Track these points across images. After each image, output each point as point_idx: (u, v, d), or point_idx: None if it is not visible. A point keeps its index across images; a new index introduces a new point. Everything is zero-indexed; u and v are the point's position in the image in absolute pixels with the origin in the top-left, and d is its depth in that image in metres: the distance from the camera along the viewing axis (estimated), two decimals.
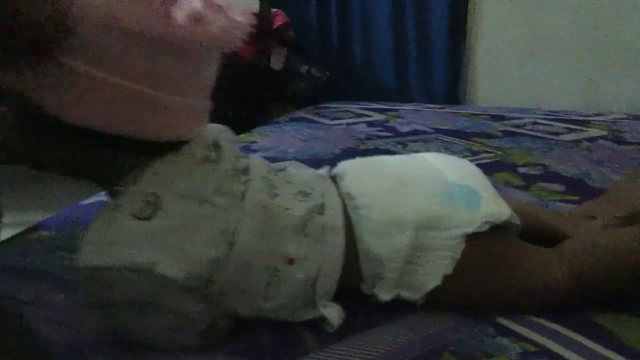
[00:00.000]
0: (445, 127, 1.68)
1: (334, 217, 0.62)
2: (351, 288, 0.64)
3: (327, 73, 2.32)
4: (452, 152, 1.40)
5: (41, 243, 0.84)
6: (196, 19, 0.48)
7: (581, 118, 1.77)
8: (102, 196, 1.04)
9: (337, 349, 0.59)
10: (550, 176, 1.17)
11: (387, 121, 1.80)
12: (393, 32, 2.27)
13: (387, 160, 0.74)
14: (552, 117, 1.81)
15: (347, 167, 0.71)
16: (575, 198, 1.02)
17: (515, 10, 2.16)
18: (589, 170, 1.21)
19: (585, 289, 0.65)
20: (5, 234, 0.90)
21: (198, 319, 0.56)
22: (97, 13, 0.48)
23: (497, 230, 0.65)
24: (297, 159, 1.32)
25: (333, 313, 0.60)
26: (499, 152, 1.39)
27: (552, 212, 0.84)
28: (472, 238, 0.63)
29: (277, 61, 2.20)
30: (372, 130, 1.67)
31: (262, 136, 1.56)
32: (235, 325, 0.60)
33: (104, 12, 0.48)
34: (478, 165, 0.80)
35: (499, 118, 1.81)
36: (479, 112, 1.92)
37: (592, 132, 1.59)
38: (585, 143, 1.46)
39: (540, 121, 1.75)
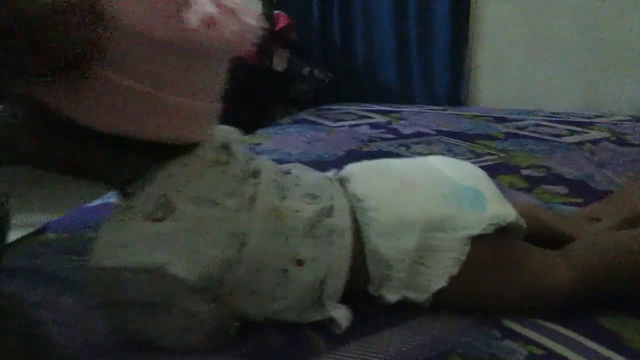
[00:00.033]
0: (448, 129, 1.68)
1: (342, 219, 0.63)
2: (357, 289, 0.64)
3: (330, 74, 2.33)
4: (455, 154, 1.40)
5: (48, 245, 0.84)
6: (209, 23, 0.49)
7: (583, 120, 1.77)
8: (107, 199, 1.05)
9: (346, 351, 0.59)
10: (554, 178, 1.18)
11: (389, 123, 1.80)
12: (395, 33, 2.28)
13: (393, 163, 0.74)
14: (554, 118, 1.81)
15: (354, 170, 0.72)
16: (579, 200, 1.02)
17: (517, 11, 2.16)
18: (592, 172, 1.21)
19: (590, 290, 0.65)
20: (11, 236, 0.90)
21: (207, 320, 0.56)
22: (123, 21, 0.49)
23: (503, 232, 0.65)
24: (300, 161, 1.33)
25: (341, 314, 0.61)
26: (502, 154, 1.39)
27: (557, 215, 0.85)
28: (477, 240, 0.63)
29: (279, 63, 2.20)
30: (375, 132, 1.67)
31: (265, 138, 1.56)
32: (244, 326, 0.61)
33: (127, 20, 0.49)
34: (482, 167, 0.80)
35: (501, 120, 1.82)
36: (481, 114, 1.93)
37: (595, 134, 1.59)
38: (588, 145, 1.46)
39: (542, 123, 1.75)
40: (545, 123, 1.75)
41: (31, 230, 0.91)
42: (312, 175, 0.70)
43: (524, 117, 1.85)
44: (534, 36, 2.16)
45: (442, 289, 0.63)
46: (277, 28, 2.11)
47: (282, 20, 2.14)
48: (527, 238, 0.70)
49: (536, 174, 1.21)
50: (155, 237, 0.53)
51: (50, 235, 0.88)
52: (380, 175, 0.71)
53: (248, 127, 1.86)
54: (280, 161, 1.16)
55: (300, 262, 0.60)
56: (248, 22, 0.50)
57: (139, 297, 0.54)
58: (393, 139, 1.59)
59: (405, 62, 2.30)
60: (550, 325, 0.63)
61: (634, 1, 2.00)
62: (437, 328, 0.63)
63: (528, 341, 0.61)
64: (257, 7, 0.51)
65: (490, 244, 0.64)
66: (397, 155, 1.40)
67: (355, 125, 1.78)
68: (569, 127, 1.69)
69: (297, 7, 2.30)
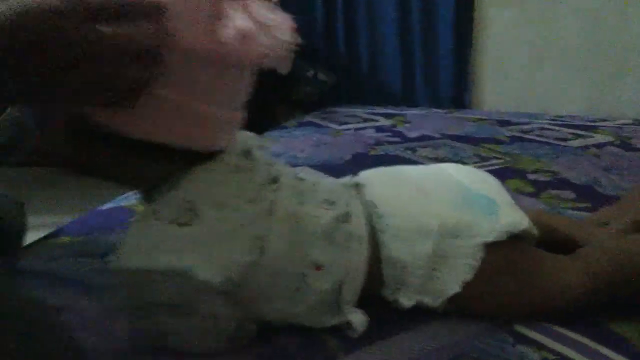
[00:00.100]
0: (453, 133, 1.69)
1: (359, 225, 0.64)
2: (372, 294, 0.66)
3: (334, 77, 2.34)
4: (461, 158, 1.41)
5: (64, 249, 0.85)
6: (244, 37, 0.50)
7: (588, 124, 1.78)
8: (118, 202, 1.06)
9: (363, 355, 0.60)
10: (560, 183, 1.19)
11: (394, 126, 1.82)
12: (399, 36, 2.29)
13: (407, 170, 0.75)
14: (558, 122, 1.82)
15: (369, 176, 0.73)
16: (587, 205, 1.03)
17: (521, 14, 2.17)
18: (598, 177, 1.22)
19: (601, 294, 0.66)
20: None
21: (228, 322, 0.57)
22: (175, 40, 0.50)
23: (515, 239, 0.66)
24: (308, 165, 1.34)
25: (358, 319, 0.62)
26: (507, 158, 1.40)
27: (566, 220, 0.86)
28: (491, 246, 0.64)
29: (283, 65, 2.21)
30: (381, 135, 1.69)
31: (271, 141, 1.57)
32: (262, 329, 0.62)
33: (178, 37, 0.50)
34: (488, 171, 0.81)
35: (506, 123, 1.83)
36: (485, 117, 1.94)
37: (599, 138, 1.60)
38: (593, 149, 1.47)
39: (546, 126, 1.76)
40: (549, 127, 1.76)
41: (45, 231, 0.92)
42: (327, 182, 0.71)
43: (528, 120, 1.86)
44: (537, 39, 2.17)
45: (456, 294, 0.64)
46: None
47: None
48: (537, 244, 0.71)
49: (542, 179, 1.22)
50: (182, 241, 0.55)
51: (65, 239, 0.89)
52: (395, 181, 0.72)
53: (252, 130, 1.88)
54: (287, 164, 1.17)
55: (318, 267, 0.61)
56: (281, 37, 0.51)
57: (165, 299, 0.55)
58: (399, 142, 1.60)
59: (409, 65, 2.31)
60: (562, 330, 0.64)
61: (638, 4, 2.01)
62: (451, 333, 0.64)
63: (540, 346, 0.62)
64: (290, 23, 0.52)
65: (503, 251, 0.65)
66: (404, 159, 1.41)
67: (361, 128, 1.80)
68: (573, 130, 1.70)
69: (301, 10, 2.31)
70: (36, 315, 0.53)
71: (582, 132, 1.67)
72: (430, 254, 0.63)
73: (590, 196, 1.09)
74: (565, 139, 1.60)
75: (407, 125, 1.83)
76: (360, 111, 2.08)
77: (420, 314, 0.66)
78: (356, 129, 1.78)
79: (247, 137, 0.64)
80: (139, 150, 0.55)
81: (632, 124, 1.77)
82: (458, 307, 0.65)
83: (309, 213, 0.62)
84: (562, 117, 1.92)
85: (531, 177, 1.23)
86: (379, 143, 1.59)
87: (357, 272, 0.63)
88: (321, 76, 2.30)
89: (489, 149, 1.50)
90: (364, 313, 0.63)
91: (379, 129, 1.77)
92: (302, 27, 0.54)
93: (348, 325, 0.63)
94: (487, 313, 0.66)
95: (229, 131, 0.60)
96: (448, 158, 1.42)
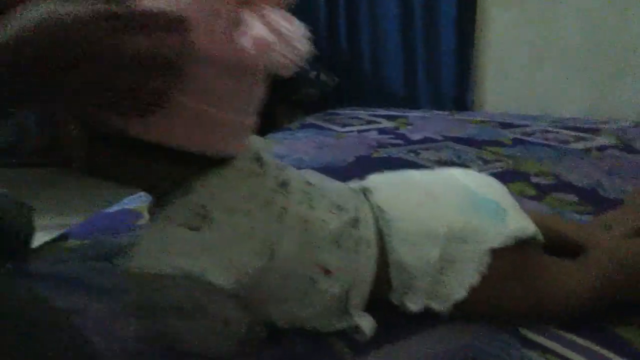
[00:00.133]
0: (455, 135, 1.70)
1: (367, 230, 0.65)
2: (379, 298, 0.66)
3: (336, 78, 2.35)
4: (464, 161, 1.42)
5: (72, 252, 0.86)
6: (262, 47, 0.51)
7: (590, 126, 1.79)
8: (123, 205, 1.07)
9: (371, 359, 0.61)
10: (563, 186, 1.19)
11: (397, 128, 1.82)
12: (402, 37, 2.30)
13: (415, 175, 0.76)
14: (560, 124, 1.83)
15: (377, 181, 0.73)
16: (590, 209, 1.04)
17: (523, 16, 2.18)
18: (601, 179, 1.23)
19: (607, 298, 0.67)
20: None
21: (239, 326, 0.58)
22: (195, 48, 0.51)
23: (522, 244, 0.67)
24: (312, 168, 1.35)
25: (366, 323, 0.63)
26: (510, 161, 1.41)
27: (571, 224, 0.87)
28: (497, 251, 0.65)
29: None
30: (384, 137, 1.69)
31: (275, 143, 1.58)
32: (270, 332, 0.62)
33: (197, 46, 0.51)
34: (491, 174, 0.82)
35: (507, 125, 1.84)
36: (487, 119, 1.95)
37: (601, 140, 1.61)
38: (595, 152, 1.48)
39: (548, 129, 1.77)
40: (551, 129, 1.76)
41: (47, 232, 0.93)
42: (335, 186, 0.72)
43: (530, 122, 1.87)
44: (538, 39, 2.17)
45: (462, 299, 0.64)
46: None
47: None
48: (543, 248, 0.72)
49: (546, 182, 1.22)
50: (194, 245, 0.55)
51: (73, 242, 0.90)
52: (403, 186, 0.73)
53: (253, 132, 1.89)
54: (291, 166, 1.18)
55: (328, 272, 0.62)
56: (298, 47, 0.52)
57: (178, 302, 0.56)
58: (402, 145, 1.60)
59: (411, 66, 2.32)
60: (567, 334, 0.65)
61: (639, 5, 2.02)
62: (458, 337, 0.65)
63: (545, 350, 0.63)
64: (305, 32, 0.53)
65: (510, 256, 0.65)
66: (407, 162, 1.42)
67: (364, 130, 1.80)
68: (575, 133, 1.71)
69: (303, 11, 2.31)
70: (50, 317, 0.53)
71: (584, 135, 1.68)
72: (438, 258, 0.64)
73: (593, 199, 1.10)
74: (567, 142, 1.60)
75: (409, 127, 1.84)
76: (362, 113, 2.08)
77: (427, 318, 0.66)
78: (359, 131, 1.79)
79: (258, 142, 0.65)
80: (152, 154, 0.56)
81: (634, 126, 1.77)
82: (464, 311, 0.66)
83: (319, 217, 0.63)
84: (564, 119, 1.93)
85: (534, 180, 1.24)
86: (381, 145, 1.59)
87: (365, 277, 0.64)
88: (323, 77, 2.31)
89: (492, 151, 1.51)
90: (371, 317, 0.64)
91: (382, 131, 1.78)
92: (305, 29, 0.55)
93: (356, 329, 0.63)
94: (492, 317, 0.67)
95: (242, 137, 0.61)
96: (451, 161, 1.42)
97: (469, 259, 0.64)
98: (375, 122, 1.93)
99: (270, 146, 0.69)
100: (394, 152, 1.51)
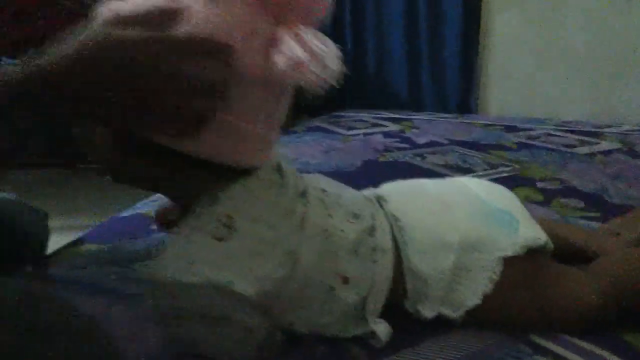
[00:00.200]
0: (460, 139, 1.72)
1: (384, 238, 0.67)
2: (393, 304, 0.68)
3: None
4: (471, 165, 1.44)
5: (89, 257, 0.87)
6: (296, 64, 0.52)
7: (593, 130, 1.81)
8: (137, 209, 1.08)
9: None
10: (569, 191, 1.21)
11: (403, 132, 1.84)
12: (406, 41, 2.32)
13: (428, 184, 0.77)
14: (564, 128, 1.85)
15: (390, 190, 0.75)
16: (597, 214, 1.05)
17: (527, 20, 2.20)
18: (606, 185, 1.25)
19: (616, 306, 0.68)
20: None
21: (259, 332, 0.60)
22: (237, 71, 0.53)
23: (533, 252, 0.68)
24: (319, 172, 1.36)
25: (382, 329, 0.64)
26: (516, 166, 1.43)
27: (581, 231, 0.88)
28: (510, 260, 0.66)
29: None
30: (389, 141, 1.71)
31: (282, 147, 1.59)
32: (288, 337, 0.64)
33: (238, 67, 0.53)
34: (498, 179, 0.83)
35: (512, 129, 1.86)
36: (492, 123, 1.96)
37: (606, 144, 1.63)
38: (599, 157, 1.50)
39: (553, 132, 1.79)
40: (555, 133, 1.78)
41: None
42: (349, 194, 0.73)
43: (534, 126, 1.88)
44: (543, 44, 2.19)
45: (475, 306, 0.66)
46: None
47: None
48: (552, 255, 0.74)
49: (551, 187, 1.24)
50: (221, 255, 0.57)
51: (90, 246, 0.91)
52: (416, 195, 0.74)
53: None
54: (299, 171, 1.19)
55: (345, 280, 0.63)
56: (330, 66, 0.53)
57: (203, 310, 0.57)
58: (408, 148, 1.62)
59: (415, 69, 2.34)
60: (577, 341, 0.66)
61: None
62: (470, 343, 0.66)
63: (556, 356, 0.64)
64: (338, 53, 0.54)
65: (521, 264, 0.67)
66: (414, 166, 1.43)
67: (370, 133, 1.82)
68: (579, 137, 1.73)
69: None
70: (75, 323, 0.55)
71: (588, 139, 1.70)
72: (452, 267, 0.66)
73: (599, 205, 1.12)
74: (572, 146, 1.62)
75: (414, 130, 1.86)
76: (367, 116, 2.10)
77: (440, 324, 0.68)
78: (365, 134, 1.81)
79: (277, 151, 0.67)
80: (181, 164, 0.58)
81: (638, 130, 1.79)
82: (476, 318, 0.67)
83: (337, 227, 0.64)
84: (568, 122, 1.94)
85: (540, 185, 1.26)
86: (388, 149, 1.61)
87: (382, 285, 0.65)
88: None
89: (497, 155, 1.52)
90: (387, 323, 0.66)
91: (387, 135, 1.80)
92: None
93: (372, 334, 0.65)
94: (503, 324, 0.68)
95: (268, 149, 0.62)
96: (457, 165, 1.44)
97: (483, 268, 0.66)
98: (380, 125, 1.95)
99: (284, 153, 0.70)
100: (400, 157, 1.53)
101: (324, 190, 0.69)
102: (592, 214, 1.06)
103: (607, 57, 2.10)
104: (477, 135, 1.77)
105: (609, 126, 1.87)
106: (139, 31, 0.49)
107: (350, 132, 1.83)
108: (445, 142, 1.69)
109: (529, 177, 1.32)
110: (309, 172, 1.26)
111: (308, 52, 0.52)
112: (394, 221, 0.69)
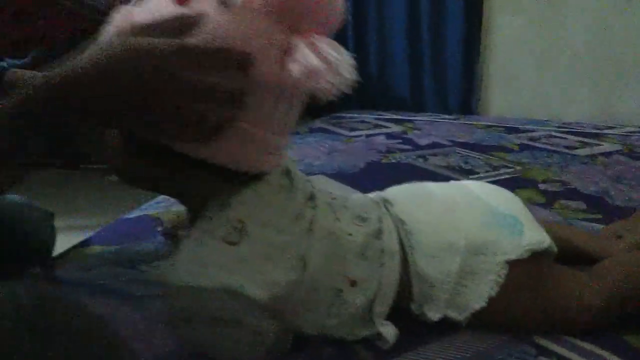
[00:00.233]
0: (462, 140, 1.72)
1: (391, 242, 0.67)
2: (399, 307, 0.69)
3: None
4: (473, 167, 1.44)
5: (97, 258, 0.88)
6: (310, 72, 0.53)
7: (595, 131, 1.82)
8: (143, 211, 1.09)
9: None
10: (571, 193, 1.22)
11: (405, 133, 1.85)
12: (408, 42, 2.32)
13: (432, 187, 0.78)
14: (565, 129, 1.85)
15: (396, 194, 0.76)
16: (599, 216, 1.06)
17: (529, 21, 2.21)
18: (608, 187, 1.26)
19: (618, 309, 0.69)
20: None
21: (269, 335, 0.61)
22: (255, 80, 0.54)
23: (537, 255, 0.69)
24: (323, 173, 1.37)
25: (389, 331, 0.65)
26: (517, 167, 1.43)
27: (584, 234, 0.89)
28: (514, 263, 0.67)
29: None
30: (392, 142, 1.72)
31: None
32: (295, 339, 0.65)
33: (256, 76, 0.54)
34: (500, 181, 0.84)
35: (514, 130, 1.87)
36: (493, 124, 1.97)
37: (607, 146, 1.64)
38: (600, 158, 1.51)
39: (554, 134, 1.80)
40: (557, 134, 1.79)
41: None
42: (356, 197, 0.74)
43: (535, 127, 1.89)
44: (544, 45, 2.20)
45: (480, 308, 0.67)
46: None
47: None
48: (555, 258, 0.74)
49: (553, 189, 1.25)
50: (232, 260, 0.58)
51: (97, 248, 0.92)
52: (421, 198, 0.75)
53: None
54: (303, 173, 1.20)
55: (353, 283, 0.64)
56: (344, 75, 0.54)
57: (214, 313, 0.58)
58: (410, 150, 1.63)
59: (417, 71, 2.35)
60: (579, 342, 0.67)
61: None
62: (476, 345, 0.67)
63: (560, 358, 0.65)
64: (352, 62, 0.55)
65: (525, 267, 0.68)
66: (416, 167, 1.45)
67: (372, 135, 1.83)
68: (580, 138, 1.74)
69: None
70: (86, 324, 0.56)
71: (589, 140, 1.71)
72: (458, 270, 0.66)
73: (601, 207, 1.13)
74: (573, 147, 1.63)
75: (416, 132, 1.86)
76: (369, 117, 2.11)
77: (445, 327, 0.69)
78: (367, 135, 1.82)
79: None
80: (193, 169, 0.59)
81: (639, 131, 1.80)
82: (481, 320, 0.68)
83: (344, 230, 0.65)
84: (569, 124, 1.95)
85: (542, 186, 1.27)
86: (390, 151, 1.62)
87: (389, 287, 0.66)
88: None
89: (499, 157, 1.53)
90: (393, 325, 0.66)
91: (389, 136, 1.81)
92: None
93: (379, 336, 0.66)
94: (508, 326, 0.69)
95: (279, 154, 0.63)
96: (459, 166, 1.45)
97: (488, 271, 0.67)
98: (382, 126, 1.96)
99: (292, 157, 0.71)
100: (403, 158, 1.54)
101: (330, 194, 0.70)
102: (594, 216, 1.07)
103: (607, 58, 2.11)
104: (479, 137, 1.77)
105: (610, 127, 1.88)
106: (156, 40, 0.49)
107: (353, 134, 1.84)
108: (447, 143, 1.70)
109: (531, 178, 1.33)
110: (312, 174, 1.29)
111: (323, 61, 0.53)
112: (400, 224, 0.70)
